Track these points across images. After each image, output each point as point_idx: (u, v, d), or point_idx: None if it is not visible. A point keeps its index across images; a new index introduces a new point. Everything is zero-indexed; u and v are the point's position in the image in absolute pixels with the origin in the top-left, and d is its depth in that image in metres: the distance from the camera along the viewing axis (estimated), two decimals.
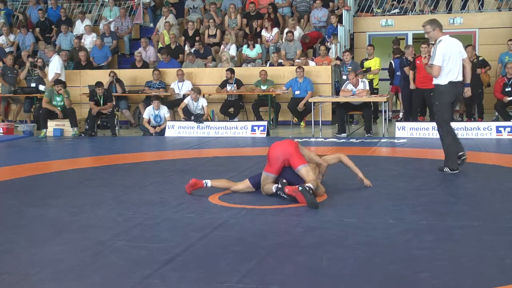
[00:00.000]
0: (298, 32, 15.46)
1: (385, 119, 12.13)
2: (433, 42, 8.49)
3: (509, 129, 11.29)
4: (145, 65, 15.54)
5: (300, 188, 5.99)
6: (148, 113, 13.14)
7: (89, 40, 16.62)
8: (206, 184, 6.73)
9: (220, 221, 5.47)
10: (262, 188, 6.52)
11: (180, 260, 4.41)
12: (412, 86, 12.71)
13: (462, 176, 7.45)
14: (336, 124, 12.59)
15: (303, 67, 13.78)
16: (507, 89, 12.49)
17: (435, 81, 7.88)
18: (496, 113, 12.91)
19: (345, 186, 6.70)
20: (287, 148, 6.43)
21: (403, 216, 5.53)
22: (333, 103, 13.44)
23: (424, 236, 4.87)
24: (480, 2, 16.44)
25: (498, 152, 9.82)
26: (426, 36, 8.19)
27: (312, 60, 14.83)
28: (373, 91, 13.24)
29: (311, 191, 6.05)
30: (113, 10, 17.76)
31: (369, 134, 11.94)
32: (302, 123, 13.91)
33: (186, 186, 6.76)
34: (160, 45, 16.36)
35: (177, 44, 16.06)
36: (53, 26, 17.85)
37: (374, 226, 5.22)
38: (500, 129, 11.34)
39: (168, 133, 12.82)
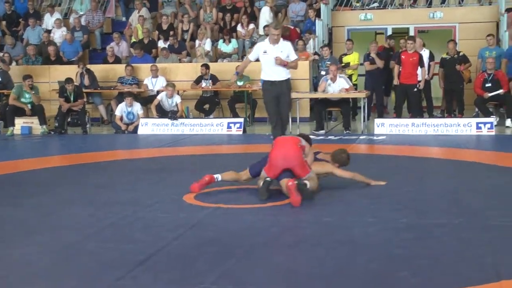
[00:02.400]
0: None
1: (364, 116, 12.21)
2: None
3: (489, 125, 11.43)
4: (117, 60, 15.45)
5: (296, 182, 6.01)
6: (120, 110, 13.07)
7: (58, 34, 16.47)
8: (217, 179, 6.71)
9: (195, 220, 5.47)
10: (258, 182, 6.49)
11: (153, 261, 4.40)
12: (396, 81, 12.83)
13: (442, 174, 7.52)
14: (314, 121, 12.64)
15: None
16: (487, 85, 12.62)
17: None
18: (476, 109, 13.04)
19: (322, 185, 6.72)
20: (291, 159, 6.32)
21: (382, 215, 5.57)
22: (311, 99, 13.48)
23: (403, 235, 4.91)
24: None
25: (478, 149, 9.93)
26: None
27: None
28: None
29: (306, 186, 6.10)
30: (84, 3, 17.63)
31: (347, 131, 12.01)
32: None
33: (197, 185, 6.62)
34: (133, 40, 16.27)
35: (151, 39, 15.99)
36: (20, 20, 17.66)
37: (352, 225, 5.26)
38: (480, 125, 11.47)
39: (141, 130, 12.77)
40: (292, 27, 15.56)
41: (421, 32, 16.97)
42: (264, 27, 14.92)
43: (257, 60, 8.99)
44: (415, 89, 12.61)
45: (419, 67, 12.52)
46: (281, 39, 8.87)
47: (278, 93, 8.84)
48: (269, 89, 8.85)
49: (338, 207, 5.98)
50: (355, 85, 13.75)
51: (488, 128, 11.39)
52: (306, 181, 6.19)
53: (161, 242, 4.84)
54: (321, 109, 12.45)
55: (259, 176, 6.54)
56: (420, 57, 12.64)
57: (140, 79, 14.64)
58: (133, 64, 14.78)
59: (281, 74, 8.82)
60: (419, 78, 12.59)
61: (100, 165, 8.95)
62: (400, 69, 12.62)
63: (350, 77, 13.68)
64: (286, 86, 8.95)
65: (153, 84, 14.30)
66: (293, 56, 8.90)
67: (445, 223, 5.24)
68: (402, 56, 12.63)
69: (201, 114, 14.16)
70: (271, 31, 8.70)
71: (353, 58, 14.10)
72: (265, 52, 8.74)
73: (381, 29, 17.22)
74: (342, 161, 6.89)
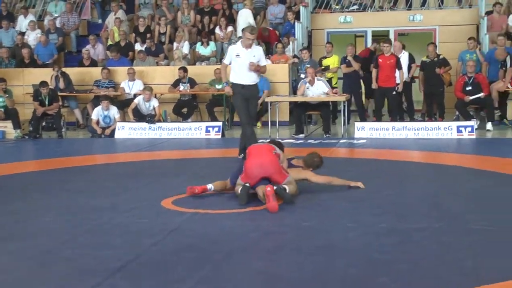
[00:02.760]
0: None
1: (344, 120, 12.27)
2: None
3: (469, 129, 11.54)
4: (93, 63, 15.39)
5: (275, 187, 6.08)
6: (96, 113, 13.02)
7: (33, 37, 16.36)
8: (210, 189, 6.74)
9: (173, 226, 5.47)
10: (236, 188, 6.52)
11: (131, 268, 4.40)
12: (374, 85, 12.94)
13: (422, 177, 7.59)
14: (294, 125, 12.68)
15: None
16: (467, 88, 12.74)
17: None
18: (457, 113, 13.17)
19: (302, 189, 6.75)
20: (268, 167, 6.38)
21: (361, 219, 5.61)
22: (290, 102, 13.53)
23: (383, 239, 4.95)
24: None
25: (459, 153, 10.04)
26: None
27: (269, 58, 14.88)
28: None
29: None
30: (59, 5, 17.54)
31: (327, 135, 12.06)
32: (259, 124, 13.95)
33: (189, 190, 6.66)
34: (109, 42, 16.22)
35: (127, 41, 15.96)
36: None
37: (332, 230, 5.29)
38: (460, 129, 11.59)
39: (118, 134, 12.74)
40: (271, 29, 15.63)
41: (401, 35, 17.12)
42: (242, 30, 14.93)
43: (230, 63, 9.14)
44: (394, 92, 12.72)
45: (397, 70, 12.62)
46: (254, 43, 9.08)
47: (248, 96, 9.03)
48: (240, 92, 8.99)
49: (318, 211, 6.01)
50: (335, 88, 13.82)
51: (469, 132, 11.50)
52: (285, 186, 6.26)
53: (139, 248, 4.83)
54: (301, 112, 12.50)
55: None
56: (397, 59, 12.76)
57: (117, 82, 14.60)
58: (109, 67, 14.74)
59: (252, 78, 9.02)
60: (398, 81, 12.70)
61: (76, 170, 8.91)
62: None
63: (330, 80, 13.77)
64: (256, 89, 9.26)
65: (130, 87, 14.26)
66: (263, 62, 9.18)
67: (425, 227, 5.29)
68: (379, 60, 12.75)
69: (179, 118, 14.14)
70: (247, 35, 8.83)
71: (332, 61, 14.17)
72: (237, 55, 8.90)
73: (361, 32, 17.35)
74: (315, 165, 6.97)
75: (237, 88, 9.02)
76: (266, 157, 6.49)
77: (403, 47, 13.85)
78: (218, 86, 13.85)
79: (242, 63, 8.87)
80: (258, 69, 8.99)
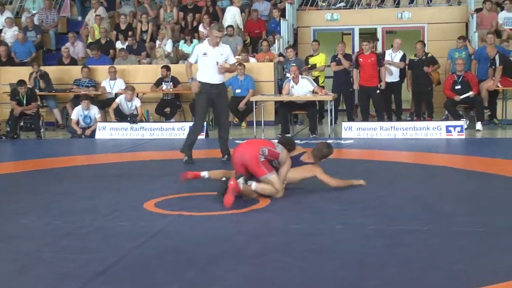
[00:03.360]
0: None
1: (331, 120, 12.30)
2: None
3: (459, 128, 11.60)
4: (73, 62, 15.30)
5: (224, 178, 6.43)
6: (76, 113, 12.96)
7: (10, 34, 16.24)
8: (204, 176, 6.91)
9: (156, 229, 5.45)
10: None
11: (113, 272, 4.38)
12: (355, 85, 13.01)
13: (411, 178, 7.62)
14: (279, 125, 12.69)
15: (244, 64, 13.83)
16: (457, 87, 12.80)
17: None
18: (446, 112, 13.23)
19: (289, 190, 6.76)
20: (246, 159, 6.59)
21: (351, 221, 5.62)
22: (276, 102, 13.54)
23: (372, 242, 4.96)
24: None
25: (448, 153, 10.09)
26: None
27: (254, 56, 14.91)
28: None
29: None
30: (37, 1, 17.45)
31: (314, 135, 12.08)
32: (243, 124, 13.96)
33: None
34: (89, 40, 16.15)
35: (108, 39, 15.89)
36: None
37: (321, 232, 5.29)
38: (450, 128, 11.64)
39: (99, 135, 12.68)
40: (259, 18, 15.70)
41: (389, 33, 17.18)
42: (227, 27, 14.96)
43: (196, 62, 9.17)
44: (378, 91, 12.78)
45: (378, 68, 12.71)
46: (221, 42, 9.16)
47: (215, 96, 9.11)
48: (207, 91, 9.05)
49: (306, 213, 6.02)
50: (322, 87, 13.83)
51: (458, 132, 11.56)
52: (251, 182, 6.47)
53: (120, 252, 4.81)
54: (286, 112, 12.50)
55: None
56: (378, 57, 12.83)
57: (98, 81, 14.53)
58: (89, 66, 14.67)
59: (220, 77, 9.12)
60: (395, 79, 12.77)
61: (55, 171, 8.86)
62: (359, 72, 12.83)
63: (316, 79, 13.79)
64: (223, 88, 9.38)
65: (111, 86, 14.20)
66: (231, 60, 9.26)
67: (415, 229, 5.30)
68: (360, 59, 12.81)
69: (162, 118, 14.11)
70: (215, 33, 8.87)
71: (319, 60, 14.20)
72: (205, 54, 8.96)
73: (348, 30, 17.38)
74: (325, 155, 7.08)
75: (204, 88, 9.06)
76: (248, 150, 6.66)
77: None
78: None
79: (209, 62, 8.94)
80: (228, 70, 9.23)
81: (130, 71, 14.73)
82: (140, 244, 5.00)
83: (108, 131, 12.74)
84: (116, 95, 13.76)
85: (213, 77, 9.04)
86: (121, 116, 13.05)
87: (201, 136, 12.15)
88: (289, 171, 6.80)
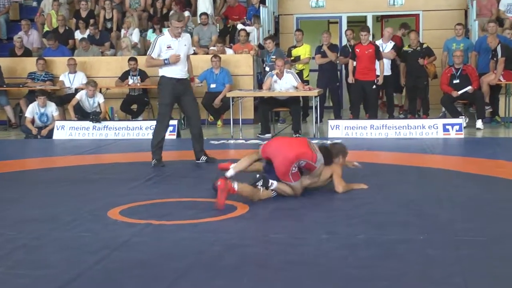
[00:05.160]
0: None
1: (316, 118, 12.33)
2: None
3: (457, 127, 11.67)
4: (27, 53, 15.23)
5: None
6: (31, 111, 12.89)
7: None
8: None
9: (121, 240, 5.43)
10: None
11: None
12: (350, 78, 13.05)
13: (404, 182, 7.66)
14: (259, 123, 12.70)
15: (220, 55, 13.84)
16: (455, 81, 12.89)
17: None
18: (443, 109, 13.32)
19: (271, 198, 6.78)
20: (278, 161, 6.70)
21: (337, 230, 5.64)
22: (255, 98, 13.55)
23: (361, 252, 4.98)
24: None
25: (445, 154, 10.15)
26: None
27: (230, 47, 14.91)
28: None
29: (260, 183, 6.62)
30: None
31: (297, 135, 12.10)
32: (219, 122, 13.96)
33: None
34: (45, 29, 16.09)
35: (67, 28, 15.83)
36: None
37: (304, 242, 5.30)
38: (447, 127, 11.71)
39: (57, 135, 12.63)
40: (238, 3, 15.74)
41: (384, 22, 17.28)
42: (201, 15, 14.97)
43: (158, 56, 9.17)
44: (374, 86, 12.84)
45: (376, 61, 12.76)
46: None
47: (182, 92, 9.18)
48: (174, 87, 9.10)
49: (288, 221, 6.03)
50: (306, 81, 13.89)
51: (457, 131, 11.64)
52: (273, 181, 6.68)
53: (81, 266, 4.79)
54: (267, 109, 12.51)
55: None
56: (377, 48, 12.89)
57: (55, 74, 14.48)
58: (46, 58, 14.60)
59: (185, 71, 9.22)
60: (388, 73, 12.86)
61: (8, 176, 8.80)
62: (355, 64, 12.89)
63: (300, 72, 13.82)
64: (189, 84, 9.47)
65: (71, 80, 14.15)
66: (191, 50, 9.55)
67: (408, 238, 5.33)
68: (357, 50, 12.86)
69: (128, 116, 14.08)
70: (175, 23, 8.92)
71: (303, 51, 14.22)
72: (169, 47, 9.01)
73: (335, 18, 17.47)
74: (342, 151, 7.33)
75: (170, 83, 9.10)
76: (284, 154, 6.68)
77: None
78: None
79: (173, 54, 9.00)
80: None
81: (92, 64, 14.67)
82: (102, 257, 4.98)
83: (67, 130, 12.68)
84: (76, 90, 13.71)
85: (179, 72, 9.10)
86: (82, 114, 13.00)
87: (172, 136, 12.16)
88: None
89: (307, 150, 6.79)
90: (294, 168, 6.66)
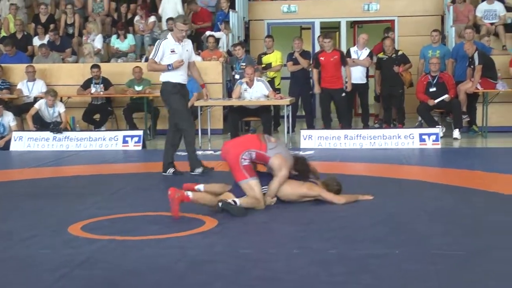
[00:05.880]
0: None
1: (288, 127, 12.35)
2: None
3: (434, 137, 11.76)
4: None
5: (220, 204, 6.60)
6: None
7: None
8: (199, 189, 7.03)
9: (83, 257, 5.39)
10: None
11: None
12: (317, 88, 13.11)
13: (379, 194, 7.68)
14: (229, 133, 12.70)
15: None
16: (431, 89, 12.98)
17: None
18: (420, 118, 13.40)
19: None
20: (228, 156, 6.98)
21: (308, 245, 5.64)
22: (224, 107, 13.55)
23: (334, 268, 4.98)
24: None
25: (421, 165, 10.21)
26: None
27: (199, 54, 14.89)
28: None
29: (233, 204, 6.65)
30: None
31: None
32: None
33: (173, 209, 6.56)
34: (2, 34, 15.96)
35: (25, 33, 15.73)
36: None
37: (274, 258, 5.30)
38: (424, 137, 11.80)
39: (14, 146, 12.52)
40: (202, 6, 15.74)
41: (357, 27, 17.38)
42: (168, 20, 14.94)
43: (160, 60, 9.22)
44: (343, 94, 12.92)
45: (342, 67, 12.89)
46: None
47: (186, 97, 9.39)
48: (181, 92, 9.21)
49: (258, 236, 6.04)
50: (277, 89, 13.92)
51: (433, 141, 11.72)
52: (235, 200, 6.67)
53: (39, 285, 4.75)
54: (237, 118, 12.53)
55: None
56: (342, 54, 13.00)
57: (13, 83, 14.37)
58: (2, 65, 14.48)
59: (186, 77, 9.34)
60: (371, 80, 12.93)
61: None
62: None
63: (272, 80, 13.84)
64: (187, 90, 9.65)
65: (30, 89, 14.04)
66: (194, 57, 9.63)
67: (383, 253, 5.35)
68: (321, 58, 12.94)
69: (91, 126, 14.00)
70: (180, 26, 9.02)
71: (274, 58, 14.25)
72: (173, 51, 9.08)
73: (308, 24, 17.53)
74: (334, 190, 7.28)
75: (175, 88, 9.18)
76: (233, 150, 6.98)
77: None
78: (138, 88, 13.77)
79: (177, 59, 9.07)
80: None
81: (52, 71, 14.59)
82: (63, 275, 4.94)
83: (25, 141, 12.58)
84: (35, 99, 13.61)
85: (183, 77, 9.26)
86: (41, 124, 12.91)
87: (137, 147, 12.12)
88: (285, 183, 7.04)
89: (255, 140, 7.05)
90: (243, 160, 6.82)
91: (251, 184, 6.81)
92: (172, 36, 9.16)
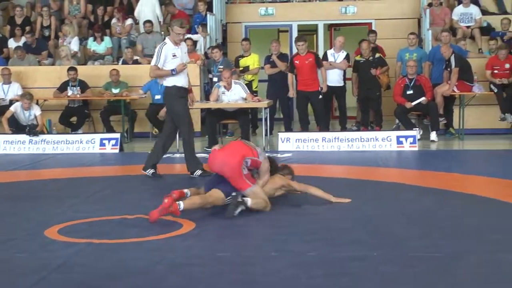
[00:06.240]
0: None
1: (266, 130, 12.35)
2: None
3: (411, 139, 11.81)
4: None
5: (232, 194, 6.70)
6: None
7: None
8: (187, 194, 6.97)
9: (60, 260, 5.35)
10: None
11: None
12: (291, 93, 13.16)
13: (357, 197, 7.70)
14: (206, 136, 12.67)
15: None
16: (408, 92, 13.04)
17: None
18: (397, 121, 13.46)
19: (216, 212, 6.75)
20: (227, 169, 6.89)
21: (288, 247, 5.64)
22: (202, 110, 13.52)
23: (314, 271, 4.98)
24: None
25: (399, 167, 10.26)
26: None
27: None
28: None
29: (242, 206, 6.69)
30: None
31: None
32: None
33: (155, 211, 6.50)
34: None
35: (1, 35, 15.64)
36: None
37: (253, 261, 5.29)
38: (401, 139, 11.85)
39: None
40: (180, 9, 15.71)
41: (334, 30, 17.41)
42: (145, 22, 14.91)
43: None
44: (320, 96, 12.96)
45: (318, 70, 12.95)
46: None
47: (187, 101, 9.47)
48: (184, 96, 9.32)
49: (236, 239, 6.03)
50: (255, 92, 13.93)
51: (411, 143, 11.78)
52: (247, 199, 6.71)
53: None
54: (215, 121, 12.49)
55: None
56: (316, 57, 13.05)
57: None
58: None
59: (187, 80, 9.45)
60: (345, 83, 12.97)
61: None
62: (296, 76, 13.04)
63: (249, 83, 13.85)
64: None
65: (5, 91, 13.95)
66: (186, 59, 9.65)
67: (362, 255, 5.36)
68: (296, 61, 12.98)
69: (67, 129, 13.93)
70: (177, 30, 9.08)
71: (252, 61, 14.25)
72: (174, 55, 9.15)
73: (285, 26, 17.55)
74: (291, 171, 7.53)
75: (180, 92, 9.25)
76: (230, 161, 6.89)
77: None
78: (115, 90, 13.72)
79: (179, 63, 9.16)
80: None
81: (28, 74, 14.49)
82: (39, 280, 4.90)
83: (1, 144, 12.51)
84: (11, 102, 13.51)
85: (184, 80, 9.32)
86: (17, 126, 12.82)
87: (114, 150, 12.07)
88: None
89: (246, 148, 7.10)
90: (244, 169, 6.89)
91: (257, 191, 6.89)
92: (170, 40, 9.20)
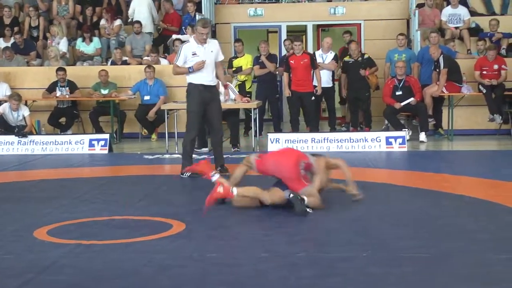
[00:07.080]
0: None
1: (256, 131, 12.34)
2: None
3: (400, 140, 11.83)
4: None
5: (290, 195, 6.80)
6: None
7: None
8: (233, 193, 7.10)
9: (48, 262, 5.34)
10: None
11: None
12: (286, 92, 13.14)
13: (346, 198, 7.71)
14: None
15: (154, 66, 13.78)
16: (397, 93, 13.07)
17: None
18: (386, 121, 13.48)
19: (206, 212, 6.75)
20: (282, 170, 7.12)
21: (276, 248, 5.64)
22: None
23: (302, 272, 4.99)
24: None
25: (388, 168, 10.27)
26: None
27: (165, 57, 14.86)
28: (245, 95, 13.43)
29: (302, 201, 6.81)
30: None
31: (236, 149, 12.11)
32: (154, 136, 13.88)
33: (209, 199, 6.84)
34: None
35: None
36: None
37: (241, 262, 5.29)
38: (390, 140, 11.87)
39: None
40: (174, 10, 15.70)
41: (321, 31, 17.42)
42: (134, 23, 14.88)
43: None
44: (313, 98, 12.96)
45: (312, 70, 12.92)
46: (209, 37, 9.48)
47: (209, 99, 9.42)
48: (201, 94, 9.33)
49: (224, 240, 6.02)
50: (249, 93, 13.94)
51: (400, 144, 11.80)
52: (304, 197, 6.86)
53: None
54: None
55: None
56: (312, 57, 13.03)
57: None
58: None
59: (212, 78, 9.43)
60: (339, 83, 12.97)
61: None
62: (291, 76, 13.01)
63: (243, 84, 13.86)
64: (217, 91, 9.70)
65: None
66: (220, 56, 9.61)
67: (351, 256, 5.37)
68: (291, 61, 12.98)
69: (56, 130, 13.91)
70: (200, 30, 9.17)
71: (245, 61, 14.23)
72: (194, 54, 9.25)
73: (274, 27, 17.56)
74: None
75: (196, 90, 9.31)
76: (287, 162, 7.13)
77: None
78: (104, 91, 13.70)
79: (198, 61, 9.20)
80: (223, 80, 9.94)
81: (16, 74, 14.46)
82: (27, 281, 4.89)
83: None
84: (0, 102, 13.47)
85: (206, 78, 9.32)
86: (5, 127, 12.79)
87: (103, 151, 12.05)
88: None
89: (297, 152, 7.64)
90: (302, 171, 7.08)
91: (312, 192, 7.00)
92: (195, 39, 9.33)
